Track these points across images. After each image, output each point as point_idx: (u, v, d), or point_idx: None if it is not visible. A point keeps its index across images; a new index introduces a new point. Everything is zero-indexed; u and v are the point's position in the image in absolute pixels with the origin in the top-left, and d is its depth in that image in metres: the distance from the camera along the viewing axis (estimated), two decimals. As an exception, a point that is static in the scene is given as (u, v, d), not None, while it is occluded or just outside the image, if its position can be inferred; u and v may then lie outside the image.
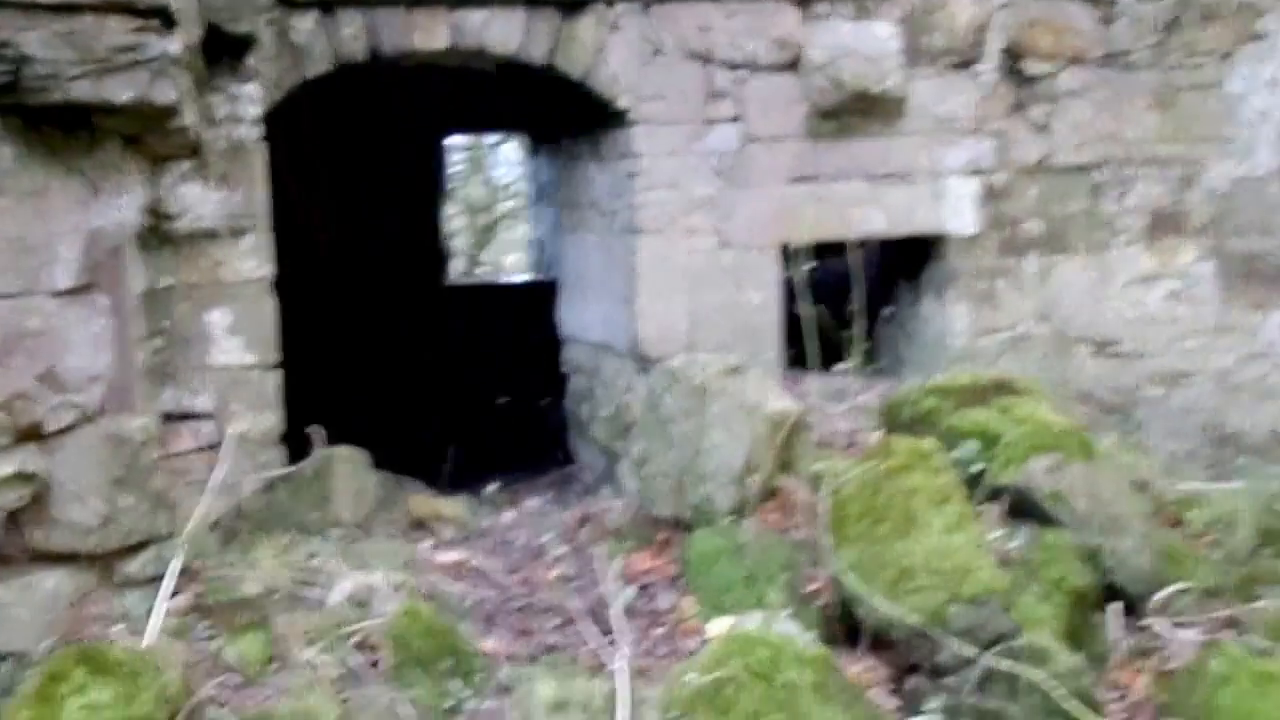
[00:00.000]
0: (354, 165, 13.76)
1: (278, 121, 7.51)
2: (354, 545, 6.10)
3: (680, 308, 8.13)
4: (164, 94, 4.56)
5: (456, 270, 17.72)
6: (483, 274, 19.77)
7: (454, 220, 19.03)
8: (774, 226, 8.23)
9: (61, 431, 4.69)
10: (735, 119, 8.16)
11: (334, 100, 12.11)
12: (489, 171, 21.14)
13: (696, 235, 8.13)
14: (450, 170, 17.86)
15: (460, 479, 11.48)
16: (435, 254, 14.95)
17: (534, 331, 13.29)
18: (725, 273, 8.18)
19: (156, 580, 5.07)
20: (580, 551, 6.27)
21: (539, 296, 13.61)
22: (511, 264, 20.60)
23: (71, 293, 4.71)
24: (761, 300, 8.24)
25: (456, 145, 18.93)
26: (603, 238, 8.64)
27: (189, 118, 6.08)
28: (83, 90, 4.33)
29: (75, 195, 4.68)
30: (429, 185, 14.86)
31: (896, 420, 6.52)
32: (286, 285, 12.18)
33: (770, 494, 5.93)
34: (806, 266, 7.38)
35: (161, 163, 6.67)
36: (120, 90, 4.43)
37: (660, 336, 8.11)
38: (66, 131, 4.66)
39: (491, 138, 19.43)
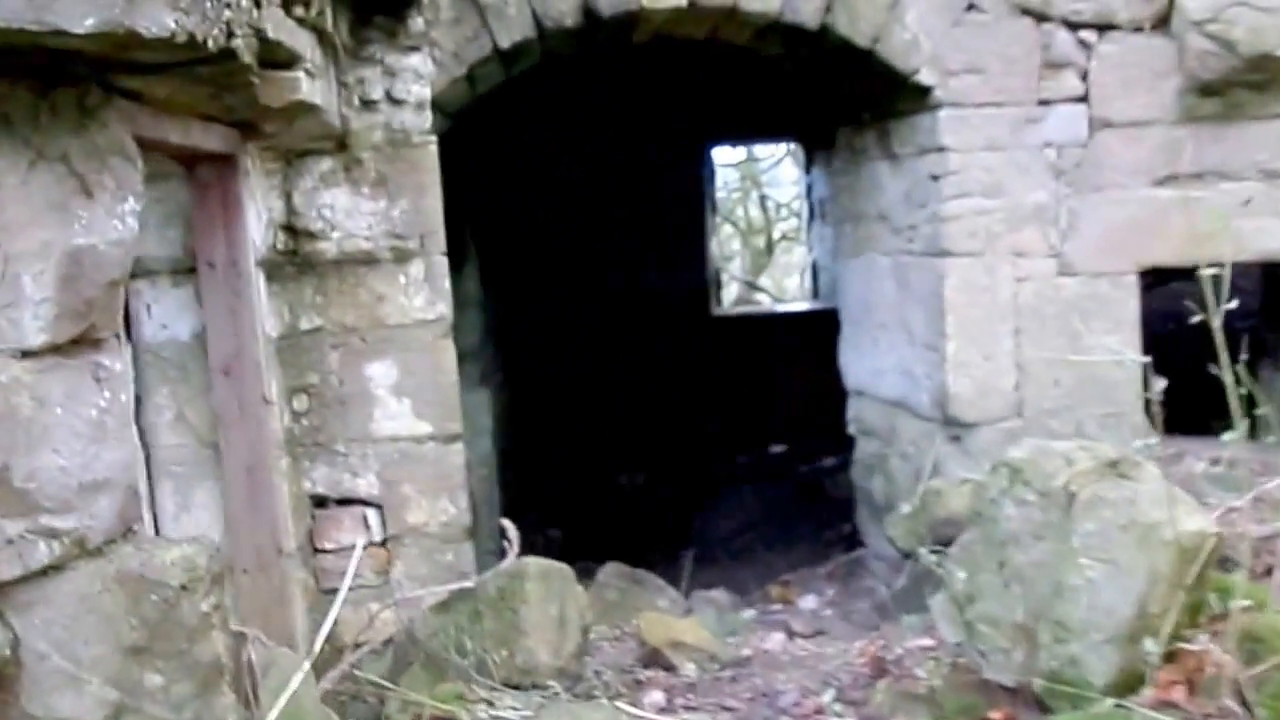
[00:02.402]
0: (612, 176, 12.31)
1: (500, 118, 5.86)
2: (543, 713, 4.22)
3: (1005, 356, 6.09)
4: (157, 22, 2.68)
5: (730, 297, 16.13)
6: (760, 301, 18.02)
7: (729, 243, 17.54)
8: (1131, 244, 6.13)
9: (35, 575, 2.90)
10: (1080, 98, 6.08)
11: (588, 102, 11.06)
12: (765, 190, 19.71)
13: (1026, 257, 6.09)
14: (723, 188, 16.61)
15: (719, 549, 9.77)
16: (702, 279, 13.39)
17: (813, 366, 11.81)
18: (1066, 307, 6.11)
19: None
20: (875, 726, 4.25)
21: (818, 326, 12.09)
22: (791, 289, 18.88)
23: (49, 351, 2.90)
24: (1116, 344, 6.09)
25: (730, 162, 17.83)
26: (897, 261, 6.64)
27: (318, 93, 4.40)
28: (16, 10, 2.49)
29: (48, 197, 2.88)
30: (696, 201, 13.26)
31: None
32: (531, 312, 11.23)
33: (1169, 657, 3.79)
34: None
35: (296, 161, 5.04)
36: (74, 11, 2.55)
37: (977, 394, 6.11)
38: (38, 93, 2.87)
39: (767, 153, 18.24)
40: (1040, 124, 6.00)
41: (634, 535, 10.65)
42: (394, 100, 5.10)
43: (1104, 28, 5.98)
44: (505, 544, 5.16)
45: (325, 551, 5.37)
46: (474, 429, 7.84)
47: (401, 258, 5.20)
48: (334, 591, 5.29)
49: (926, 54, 5.89)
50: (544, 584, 4.69)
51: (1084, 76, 6.02)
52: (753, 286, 18.89)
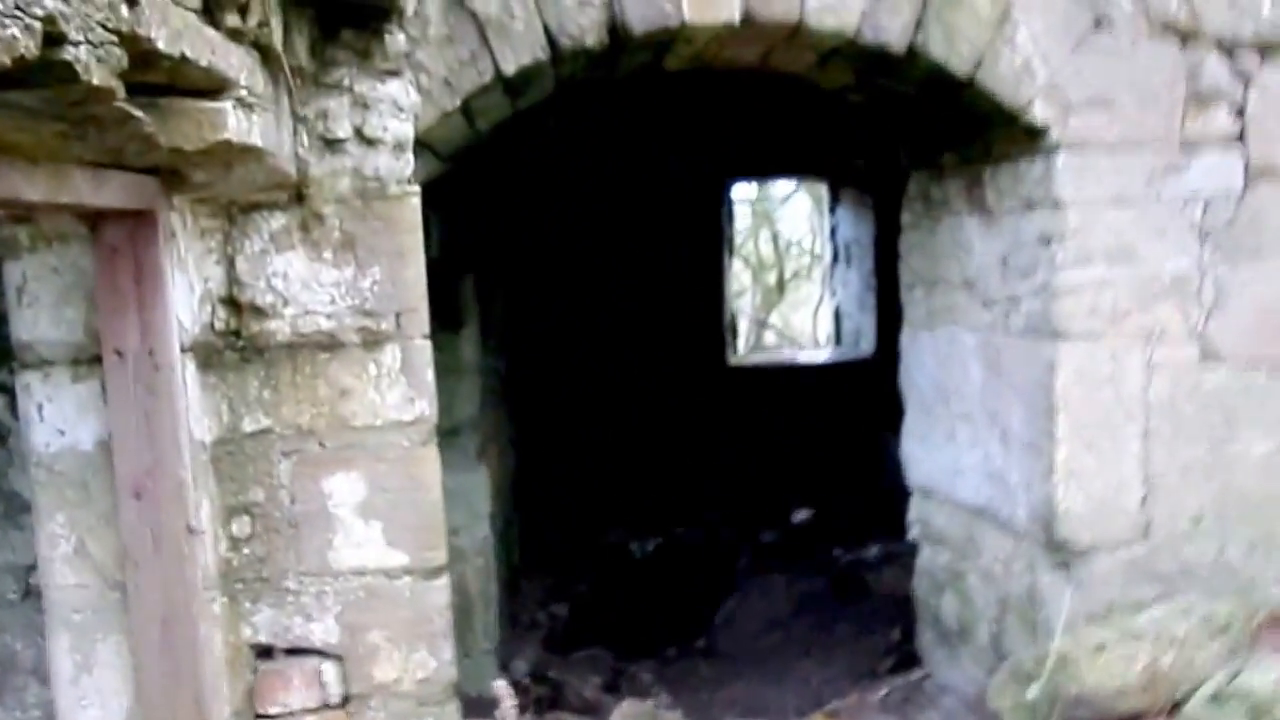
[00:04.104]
0: (629, 215, 11.65)
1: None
2: None
3: (1130, 464, 5.01)
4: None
5: (742, 342, 15.85)
6: (771, 343, 18.09)
7: (739, 278, 17.71)
8: (1293, 325, 5.00)
9: None
10: (1235, 138, 4.97)
11: (602, 133, 10.44)
12: (776, 226, 19.80)
13: (1160, 341, 5.00)
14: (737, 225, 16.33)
15: (744, 649, 8.65)
16: (719, 325, 12.65)
17: (837, 424, 12.11)
18: (1209, 404, 5.05)
19: None
20: None
21: (843, 379, 12.43)
22: (798, 324, 19.14)
23: None
24: (1270, 451, 4.97)
25: (744, 198, 17.72)
26: (987, 340, 5.52)
27: (258, 131, 3.33)
28: None
29: None
30: (713, 243, 12.51)
31: None
32: (536, 366, 10.61)
33: None
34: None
35: (240, 217, 3.96)
36: None
37: (1094, 512, 5.03)
38: None
39: (780, 189, 18.03)
40: (1182, 173, 4.89)
41: (645, 614, 9.73)
42: (366, 140, 4.01)
43: (1267, 49, 4.86)
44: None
45: (269, 717, 4.25)
46: (471, 514, 6.99)
47: (372, 342, 4.13)
48: (279, 765, 4.24)
49: (1041, 83, 4.77)
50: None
51: (1239, 113, 4.92)
52: (764, 325, 18.78)
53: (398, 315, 4.11)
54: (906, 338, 6.36)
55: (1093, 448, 4.93)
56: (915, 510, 6.48)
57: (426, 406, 4.20)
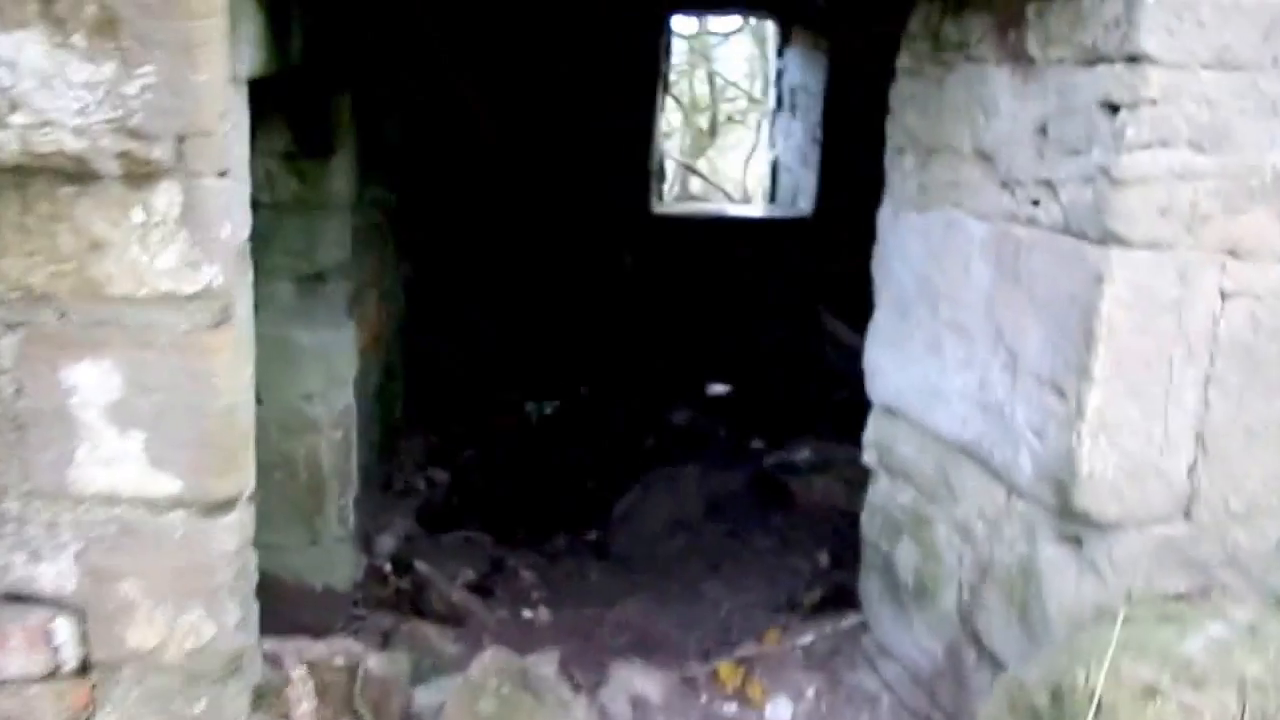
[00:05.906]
0: (556, 41, 10.51)
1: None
2: None
3: (1182, 418, 3.82)
4: None
5: (667, 188, 14.90)
6: (697, 191, 17.03)
7: (668, 119, 16.60)
8: None
9: None
10: (1378, -9, 3.65)
11: None
12: (713, 65, 18.75)
13: (1244, 259, 3.75)
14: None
15: (643, 552, 7.58)
16: (644, 169, 11.72)
17: (768, 288, 11.37)
18: (1294, 348, 3.77)
19: None
20: None
21: (777, 238, 11.73)
22: (729, 175, 18.00)
23: None
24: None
25: (682, 34, 16.63)
26: (1003, 232, 4.24)
27: None
28: None
29: None
30: (648, 80, 11.45)
31: None
32: (439, 204, 9.84)
33: None
34: None
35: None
36: None
37: (1127, 477, 3.85)
38: None
39: (721, 25, 17.20)
40: (1305, 34, 3.58)
41: (534, 491, 8.79)
42: None
43: None
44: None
45: (-21, 687, 3.07)
46: (330, 378, 6.00)
47: (141, 175, 2.87)
48: (-12, 751, 3.10)
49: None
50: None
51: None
52: (691, 171, 17.68)
53: (179, 139, 2.82)
54: (887, 216, 5.04)
55: (1137, 393, 3.71)
56: (874, 431, 5.23)
57: (218, 275, 2.94)
